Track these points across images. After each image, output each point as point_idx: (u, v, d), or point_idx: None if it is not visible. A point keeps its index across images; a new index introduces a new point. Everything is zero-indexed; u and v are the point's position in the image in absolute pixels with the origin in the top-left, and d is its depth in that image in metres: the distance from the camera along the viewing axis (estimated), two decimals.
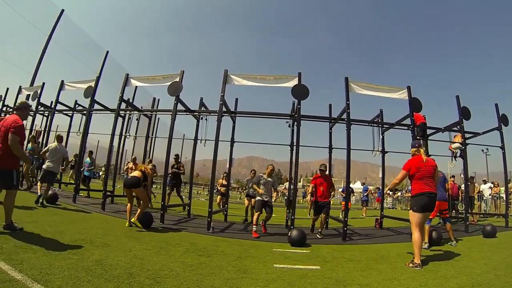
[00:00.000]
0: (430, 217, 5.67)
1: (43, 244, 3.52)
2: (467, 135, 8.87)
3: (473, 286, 3.24)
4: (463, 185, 10.08)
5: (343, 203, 11.56)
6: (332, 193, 6.84)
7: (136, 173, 5.86)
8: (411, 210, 4.35)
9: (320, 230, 6.58)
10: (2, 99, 13.36)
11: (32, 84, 13.21)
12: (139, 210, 5.66)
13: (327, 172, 7.02)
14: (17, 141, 3.94)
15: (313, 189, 6.85)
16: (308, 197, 6.83)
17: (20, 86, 12.43)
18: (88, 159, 11.23)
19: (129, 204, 5.93)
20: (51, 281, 2.47)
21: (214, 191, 8.94)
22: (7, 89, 13.55)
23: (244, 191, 9.34)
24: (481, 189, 14.00)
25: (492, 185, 14.13)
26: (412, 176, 4.34)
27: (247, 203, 8.48)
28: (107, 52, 10.12)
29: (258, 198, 6.49)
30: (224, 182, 10.08)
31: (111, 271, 2.91)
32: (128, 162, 10.44)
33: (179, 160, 10.13)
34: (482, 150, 10.55)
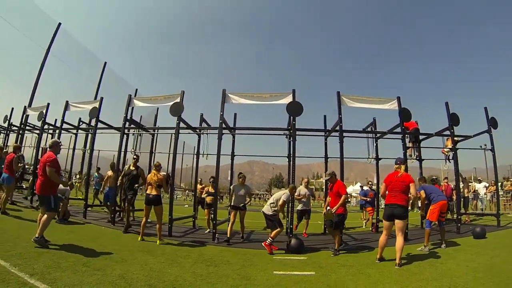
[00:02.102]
0: (432, 219, 6.06)
1: (68, 262, 3.95)
2: (459, 138, 9.32)
3: None
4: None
5: (369, 209, 10.12)
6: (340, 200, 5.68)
7: (155, 191, 6.15)
8: None
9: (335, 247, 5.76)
10: (8, 119, 13.80)
11: (32, 97, 13.24)
12: (159, 231, 6.07)
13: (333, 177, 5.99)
14: (53, 171, 4.83)
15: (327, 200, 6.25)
16: (324, 208, 6.54)
17: (25, 106, 12.80)
18: None
19: (144, 219, 6.20)
20: None
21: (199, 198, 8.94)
22: (12, 109, 13.95)
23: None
24: (476, 188, 14.39)
25: (487, 184, 14.56)
26: (387, 187, 4.99)
27: (233, 218, 6.88)
28: (105, 63, 10.55)
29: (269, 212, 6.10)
30: (211, 190, 8.18)
31: (134, 283, 3.36)
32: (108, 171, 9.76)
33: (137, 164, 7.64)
34: (481, 146, 10.82)
